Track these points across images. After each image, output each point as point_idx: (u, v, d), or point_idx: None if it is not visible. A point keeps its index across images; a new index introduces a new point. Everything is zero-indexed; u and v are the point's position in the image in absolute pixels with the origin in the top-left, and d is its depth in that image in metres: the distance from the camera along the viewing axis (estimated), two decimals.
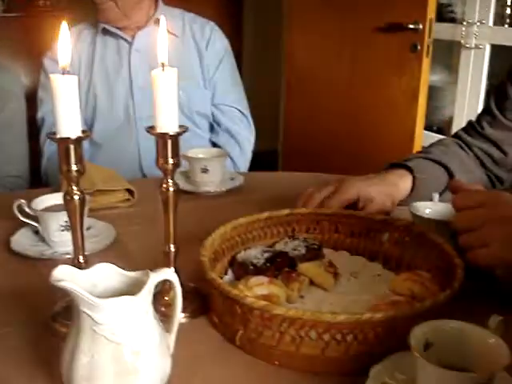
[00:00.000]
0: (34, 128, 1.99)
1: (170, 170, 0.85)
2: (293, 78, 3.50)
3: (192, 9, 2.12)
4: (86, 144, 1.95)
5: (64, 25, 0.81)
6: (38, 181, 1.98)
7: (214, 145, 2.05)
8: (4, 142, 1.86)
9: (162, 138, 0.83)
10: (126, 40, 1.96)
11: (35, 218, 1.16)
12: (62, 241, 1.12)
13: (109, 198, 1.36)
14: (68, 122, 0.80)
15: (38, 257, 1.11)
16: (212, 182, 1.48)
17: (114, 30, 1.95)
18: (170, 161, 0.84)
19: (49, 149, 1.93)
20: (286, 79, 3.61)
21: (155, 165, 0.85)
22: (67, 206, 0.84)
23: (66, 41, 0.80)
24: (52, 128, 0.82)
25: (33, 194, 1.21)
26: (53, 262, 1.05)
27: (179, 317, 0.73)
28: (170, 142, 0.83)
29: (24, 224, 1.18)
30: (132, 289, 0.67)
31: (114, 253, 1.12)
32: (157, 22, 1.94)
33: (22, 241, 1.16)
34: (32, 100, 2.01)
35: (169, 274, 0.69)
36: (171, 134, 0.82)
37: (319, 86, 3.27)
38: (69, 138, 0.80)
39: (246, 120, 2.10)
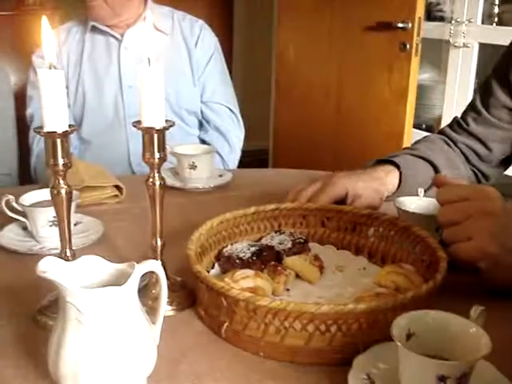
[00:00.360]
0: (24, 126, 1.99)
1: (156, 165, 0.86)
2: (283, 77, 3.51)
3: (182, 7, 2.13)
4: (75, 141, 1.96)
5: (45, 21, 0.81)
6: (28, 178, 1.98)
7: (204, 142, 2.05)
8: None
9: (148, 132, 0.84)
10: (115, 37, 1.96)
11: (23, 214, 1.16)
12: (50, 236, 1.12)
13: (97, 193, 1.36)
14: (55, 116, 0.80)
15: (26, 252, 1.11)
16: (200, 178, 1.49)
17: (103, 27, 1.95)
18: (157, 155, 0.85)
19: (38, 146, 1.93)
20: (276, 78, 3.62)
21: (141, 159, 0.86)
22: (54, 199, 0.84)
23: (50, 36, 0.81)
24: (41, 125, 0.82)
25: (21, 191, 1.21)
26: (41, 257, 1.05)
27: (165, 308, 0.74)
28: (156, 137, 0.84)
29: (12, 220, 1.18)
30: (118, 280, 0.68)
31: (102, 248, 1.12)
32: (145, 19, 1.94)
33: (10, 236, 1.16)
34: (21, 98, 2.01)
35: (154, 265, 0.70)
36: (157, 128, 0.83)
37: (309, 84, 3.28)
38: (55, 132, 0.80)
39: (235, 118, 2.11)
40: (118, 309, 0.66)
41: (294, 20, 3.32)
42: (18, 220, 1.18)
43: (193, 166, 1.47)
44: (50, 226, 1.12)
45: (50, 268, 0.67)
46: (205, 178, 1.50)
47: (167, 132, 0.85)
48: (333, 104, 3.15)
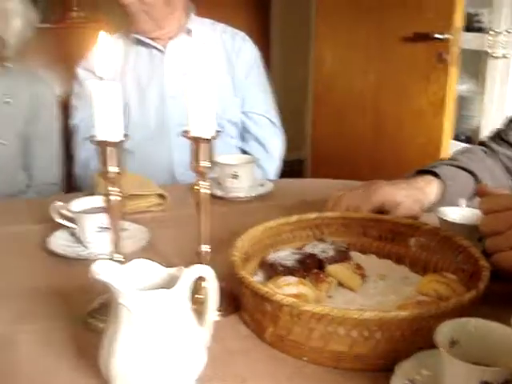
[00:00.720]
0: (68, 136, 2.04)
1: (203, 173, 0.88)
2: (320, 88, 3.52)
3: (220, 19, 2.16)
4: None
5: (103, 34, 0.85)
6: (73, 187, 2.03)
7: (244, 152, 2.08)
8: (40, 150, 1.92)
9: (196, 141, 0.86)
10: (158, 49, 2.00)
11: (71, 220, 1.20)
12: (98, 242, 1.16)
13: (141, 202, 1.39)
14: (109, 125, 0.83)
15: (74, 257, 1.14)
16: (242, 187, 1.51)
17: (146, 40, 1.99)
18: (204, 164, 0.87)
19: (81, 155, 1.98)
20: (313, 89, 3.63)
21: (189, 168, 0.89)
22: (107, 205, 0.87)
23: (106, 48, 0.84)
24: (87, 134, 0.86)
25: (67, 198, 1.25)
26: (89, 262, 1.08)
27: (214, 310, 0.75)
28: (204, 146, 0.86)
29: (60, 226, 1.22)
30: (168, 284, 0.70)
31: (149, 254, 1.13)
32: (188, 31, 1.99)
33: (58, 242, 1.20)
34: (65, 109, 2.06)
35: (204, 270, 0.72)
36: (206, 137, 0.86)
37: (346, 95, 3.29)
38: (109, 141, 0.83)
39: (275, 128, 2.13)
40: (168, 311, 0.68)
41: (332, 31, 3.33)
42: (65, 226, 1.22)
43: (235, 176, 1.49)
44: (98, 231, 1.15)
45: (103, 270, 0.70)
46: (246, 187, 1.52)
47: None
48: (370, 114, 3.15)
